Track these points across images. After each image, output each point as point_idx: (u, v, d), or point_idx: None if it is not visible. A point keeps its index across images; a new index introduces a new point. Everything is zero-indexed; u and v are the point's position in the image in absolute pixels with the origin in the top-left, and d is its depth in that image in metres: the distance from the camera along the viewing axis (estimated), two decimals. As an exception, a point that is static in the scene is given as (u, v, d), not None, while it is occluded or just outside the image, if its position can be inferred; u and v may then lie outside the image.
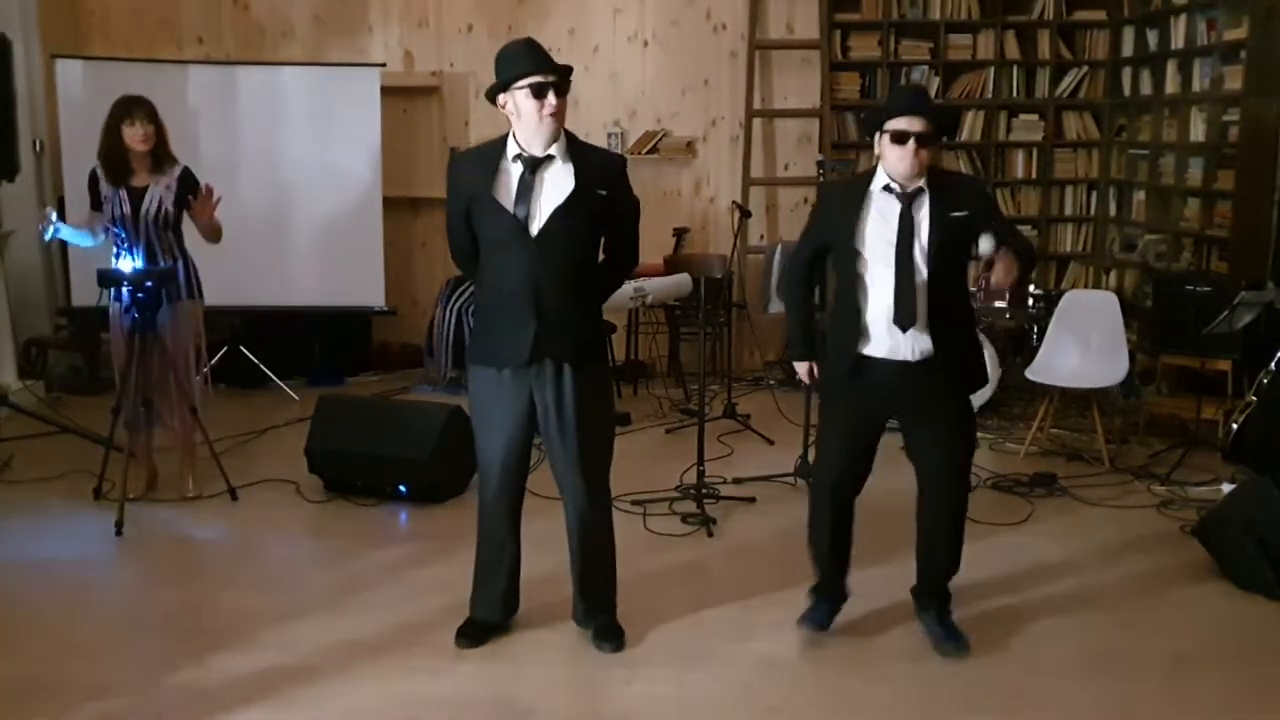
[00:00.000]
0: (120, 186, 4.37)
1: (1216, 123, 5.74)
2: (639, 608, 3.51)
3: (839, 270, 3.19)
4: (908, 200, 3.05)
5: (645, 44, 6.92)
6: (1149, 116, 6.47)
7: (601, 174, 3.09)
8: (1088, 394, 5.28)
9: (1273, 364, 4.56)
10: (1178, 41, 6.12)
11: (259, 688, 3.07)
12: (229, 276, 5.49)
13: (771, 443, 5.34)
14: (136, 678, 3.11)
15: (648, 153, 6.88)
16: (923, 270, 3.04)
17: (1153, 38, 6.41)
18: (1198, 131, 5.94)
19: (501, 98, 3.03)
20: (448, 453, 4.47)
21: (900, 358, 3.08)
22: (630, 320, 6.60)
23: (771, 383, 6.42)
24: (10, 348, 5.88)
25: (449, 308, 6.33)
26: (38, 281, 6.44)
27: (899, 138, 3.01)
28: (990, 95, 6.88)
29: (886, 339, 3.08)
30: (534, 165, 3.04)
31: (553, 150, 3.04)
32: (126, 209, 4.37)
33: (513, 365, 3.11)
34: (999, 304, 5.91)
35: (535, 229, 3.03)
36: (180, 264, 4.48)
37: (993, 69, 6.84)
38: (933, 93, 6.87)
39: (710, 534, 4.22)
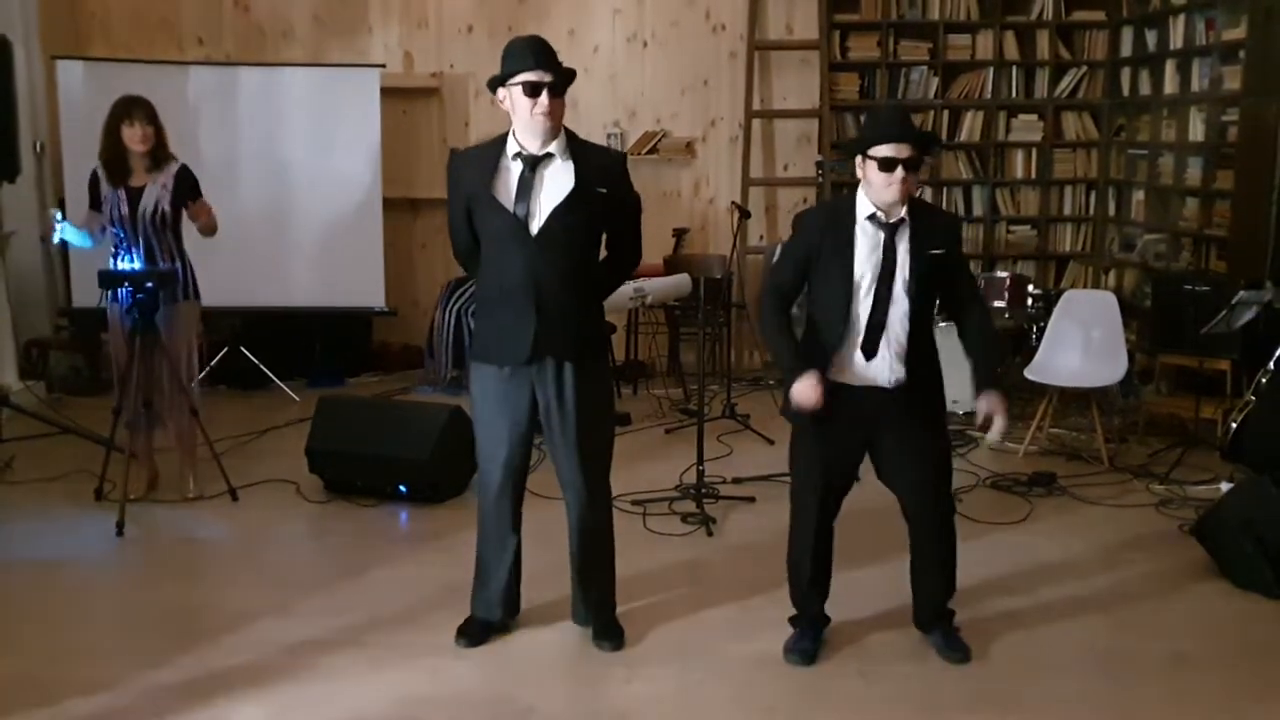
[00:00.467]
0: (119, 187, 4.39)
1: (1215, 123, 5.75)
2: (639, 607, 3.53)
3: (817, 297, 3.13)
4: (890, 231, 3.03)
5: (645, 44, 6.93)
6: (1148, 116, 6.47)
7: (602, 172, 3.10)
8: (1087, 393, 5.29)
9: (1271, 363, 4.56)
10: (1176, 42, 6.13)
11: (260, 687, 3.08)
12: (229, 277, 5.51)
13: (771, 442, 5.35)
14: (137, 677, 3.12)
15: (647, 153, 6.89)
16: (902, 301, 3.03)
17: (1151, 38, 6.42)
18: (1196, 131, 5.95)
19: (500, 92, 3.05)
20: (448, 453, 4.48)
21: (877, 384, 3.07)
22: (630, 320, 6.61)
23: (771, 382, 6.43)
24: (11, 348, 5.89)
25: (449, 308, 6.34)
26: (38, 282, 6.45)
27: (887, 165, 2.96)
28: (989, 95, 6.88)
29: (863, 366, 3.06)
30: (534, 163, 3.05)
31: (552, 148, 3.05)
32: (125, 209, 4.38)
33: (513, 363, 3.12)
34: (998, 303, 5.92)
35: (535, 227, 3.04)
36: (179, 264, 4.49)
37: (992, 69, 6.85)
38: (931, 93, 6.89)
39: (710, 533, 4.23)
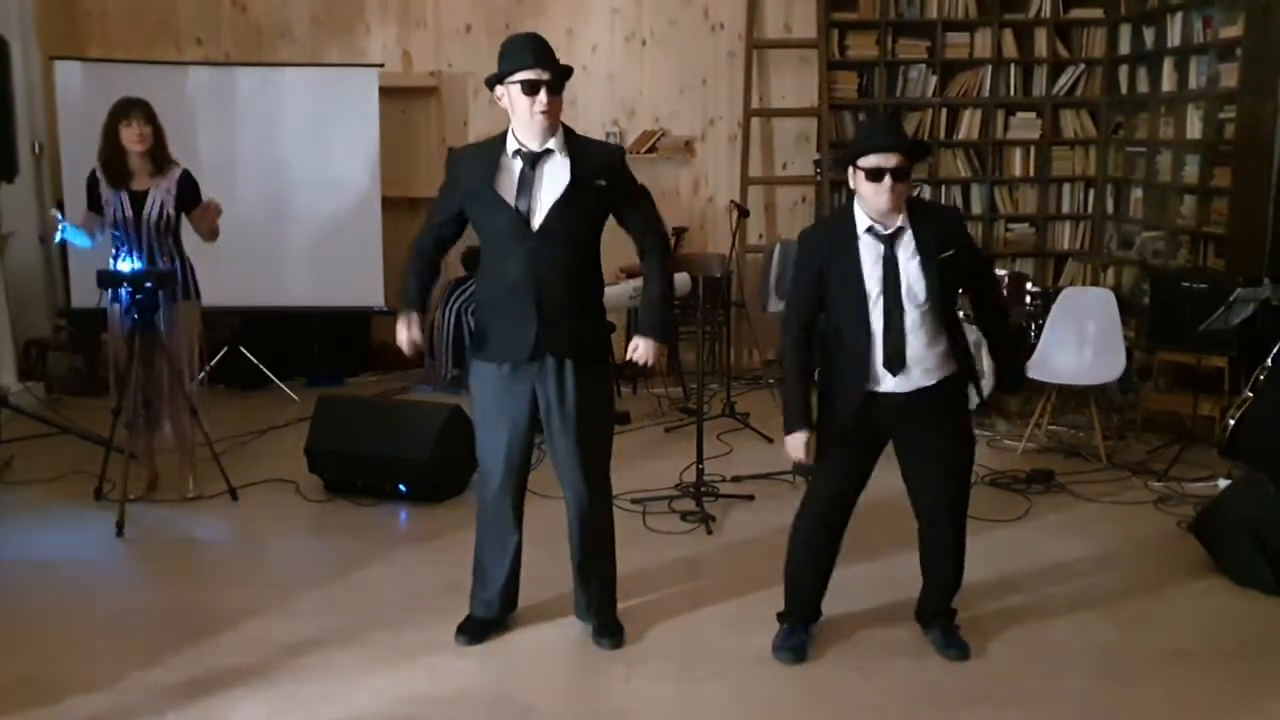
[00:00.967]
0: (120, 189, 4.39)
1: (1213, 120, 5.76)
2: (639, 605, 3.53)
3: (834, 315, 3.10)
4: (889, 242, 3.01)
5: (643, 43, 6.94)
6: (1146, 114, 6.48)
7: (599, 165, 3.11)
8: (1085, 391, 5.29)
9: (1269, 360, 4.57)
10: (1174, 39, 6.14)
11: (259, 686, 3.08)
12: (228, 277, 5.50)
13: (770, 441, 5.35)
14: (137, 676, 3.12)
15: (646, 152, 6.89)
16: (911, 312, 3.01)
17: (1149, 36, 6.42)
18: (1194, 129, 5.96)
19: (498, 90, 3.06)
20: (447, 452, 4.48)
21: (899, 391, 3.06)
22: (630, 320, 6.60)
23: (770, 381, 6.43)
24: (10, 349, 5.89)
25: (449, 308, 6.34)
26: (37, 283, 6.45)
27: (874, 175, 2.95)
28: (988, 94, 6.89)
29: (886, 378, 3.05)
30: (533, 160, 3.06)
31: (551, 144, 3.06)
32: (128, 212, 4.38)
33: (515, 361, 3.12)
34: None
35: (536, 223, 3.05)
36: (179, 265, 4.49)
37: (990, 67, 6.85)
38: (930, 91, 6.89)
39: (709, 531, 4.24)
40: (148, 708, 2.97)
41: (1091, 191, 7.01)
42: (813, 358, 3.16)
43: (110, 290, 4.42)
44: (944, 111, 6.92)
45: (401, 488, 4.53)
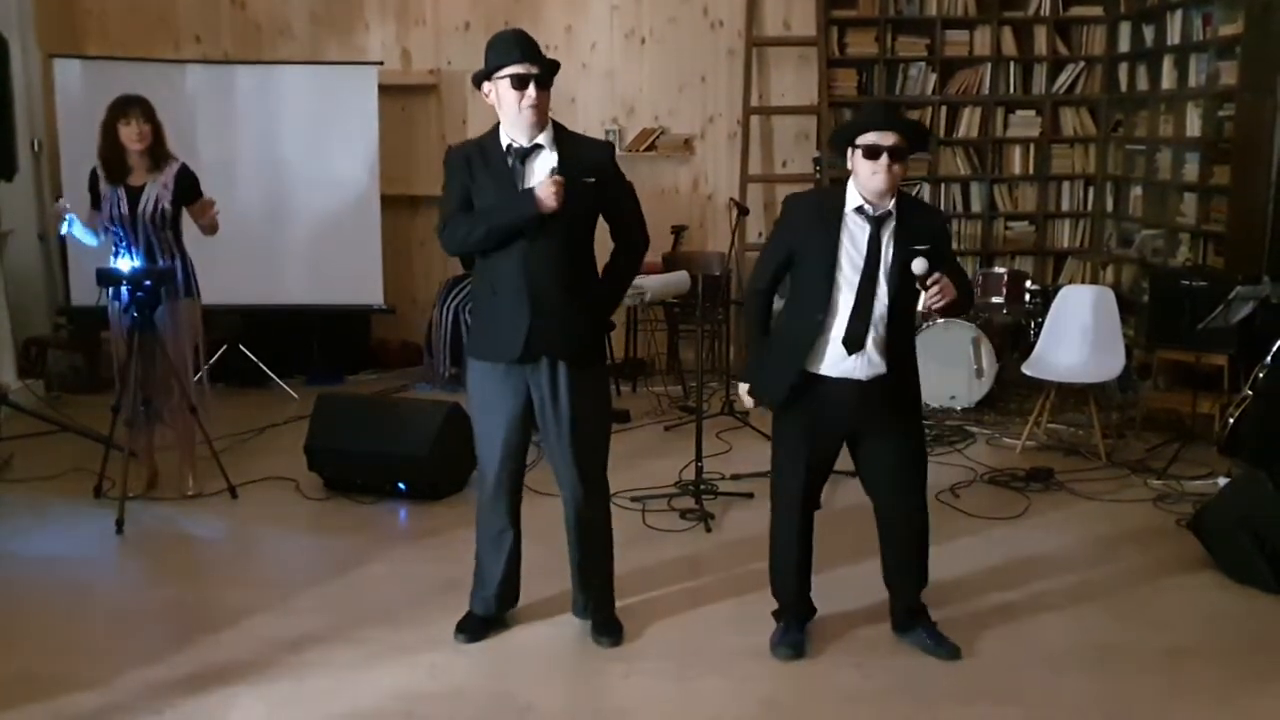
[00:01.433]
0: (118, 185, 4.39)
1: (1212, 118, 5.76)
2: (638, 602, 3.54)
3: (798, 287, 3.14)
4: (877, 224, 3.02)
5: (642, 41, 6.93)
6: (1145, 112, 6.48)
7: (589, 161, 3.10)
8: (1085, 389, 5.29)
9: (1268, 358, 4.57)
10: (1174, 37, 6.13)
11: (259, 683, 3.09)
12: (228, 275, 5.51)
13: (769, 438, 5.35)
14: (136, 674, 3.12)
15: (645, 150, 6.89)
16: (884, 296, 3.02)
17: (1149, 33, 6.42)
18: (1194, 127, 5.95)
19: (486, 86, 3.06)
20: (447, 450, 4.49)
21: (853, 377, 3.07)
22: (629, 318, 6.61)
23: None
24: (10, 347, 5.89)
25: (446, 306, 6.34)
26: (37, 281, 6.45)
27: (872, 153, 2.96)
28: (987, 91, 6.88)
29: (841, 359, 3.06)
30: (523, 156, 3.06)
31: (541, 140, 3.06)
32: (125, 208, 4.39)
33: (507, 360, 3.12)
34: (995, 299, 5.94)
35: None
36: (178, 262, 4.49)
37: (990, 65, 6.84)
38: (929, 89, 6.89)
39: (708, 529, 4.24)
40: (147, 705, 2.97)
41: (1091, 189, 7.01)
42: (768, 325, 3.27)
43: (110, 288, 4.42)
44: (943, 109, 6.92)
45: (401, 486, 4.53)
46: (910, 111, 6.84)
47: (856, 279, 3.03)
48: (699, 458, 4.57)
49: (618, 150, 6.25)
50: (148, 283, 4.33)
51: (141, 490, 4.57)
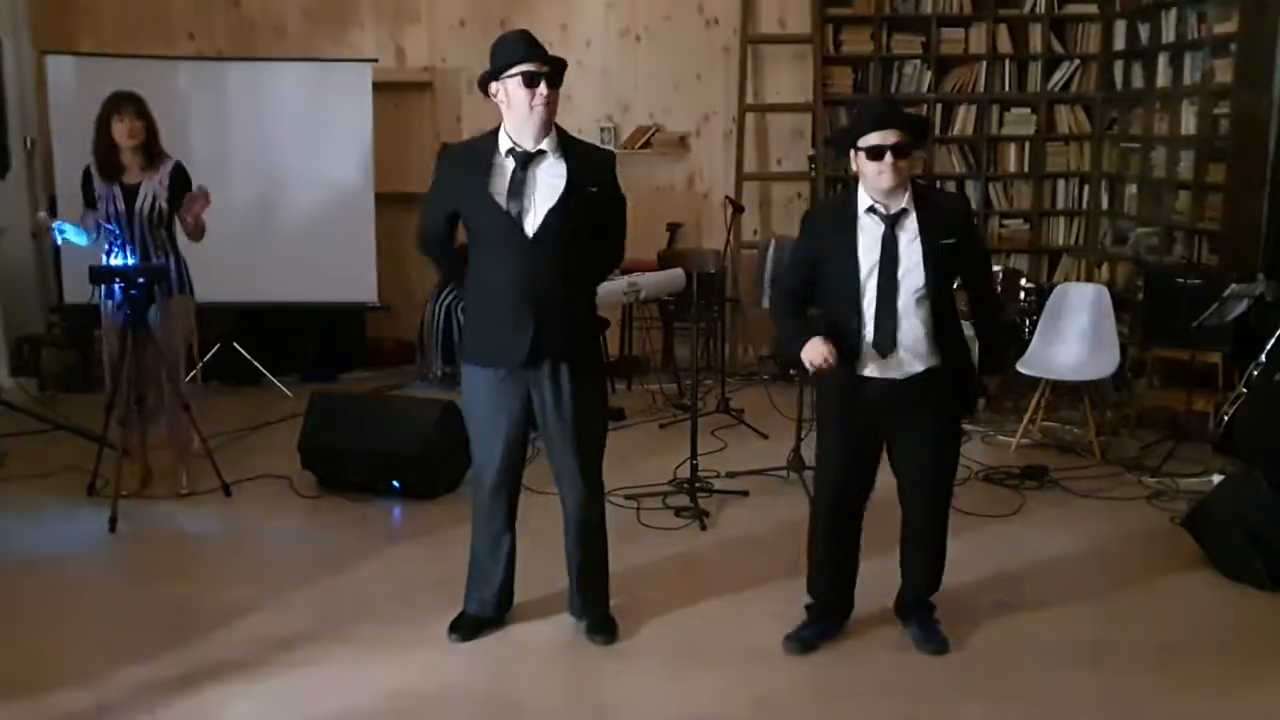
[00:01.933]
0: (113, 183, 4.38)
1: (1207, 116, 5.76)
2: (632, 601, 3.53)
3: (826, 295, 3.13)
4: (891, 223, 3.01)
5: (638, 39, 6.92)
6: (1140, 110, 6.48)
7: (593, 171, 3.09)
8: (1079, 387, 5.29)
9: (1263, 356, 4.58)
10: (1169, 35, 6.14)
11: (252, 682, 3.08)
12: (222, 273, 5.49)
13: (765, 437, 5.36)
14: (129, 672, 3.11)
15: (640, 148, 6.88)
16: (906, 295, 3.00)
17: (1144, 31, 6.42)
18: (1189, 125, 5.96)
19: (493, 86, 3.03)
20: (441, 449, 4.48)
21: (889, 376, 3.06)
22: (624, 316, 6.60)
23: (765, 377, 6.43)
24: (3, 345, 5.88)
25: (439, 304, 6.33)
26: (30, 279, 6.44)
27: (876, 153, 2.95)
28: (982, 89, 6.88)
29: (876, 360, 3.05)
30: (525, 160, 3.03)
31: (544, 145, 3.04)
32: (120, 206, 4.37)
33: (510, 366, 3.10)
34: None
35: (530, 227, 3.02)
36: (172, 260, 4.48)
37: (985, 63, 6.85)
38: (924, 87, 6.89)
39: (703, 527, 4.24)
40: (139, 704, 2.96)
41: (1086, 187, 7.01)
42: (802, 307, 3.18)
43: (103, 286, 4.40)
44: (939, 107, 6.92)
45: (395, 484, 4.52)
46: (905, 109, 6.82)
47: (877, 280, 3.01)
48: (694, 455, 4.56)
49: (613, 148, 6.25)
50: (141, 280, 4.31)
51: (135, 488, 4.55)
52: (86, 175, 4.43)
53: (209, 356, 6.24)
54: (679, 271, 5.92)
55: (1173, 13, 6.08)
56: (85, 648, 3.29)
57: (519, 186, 3.02)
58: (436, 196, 3.18)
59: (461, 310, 5.91)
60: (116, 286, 4.35)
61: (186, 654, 3.22)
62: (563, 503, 3.29)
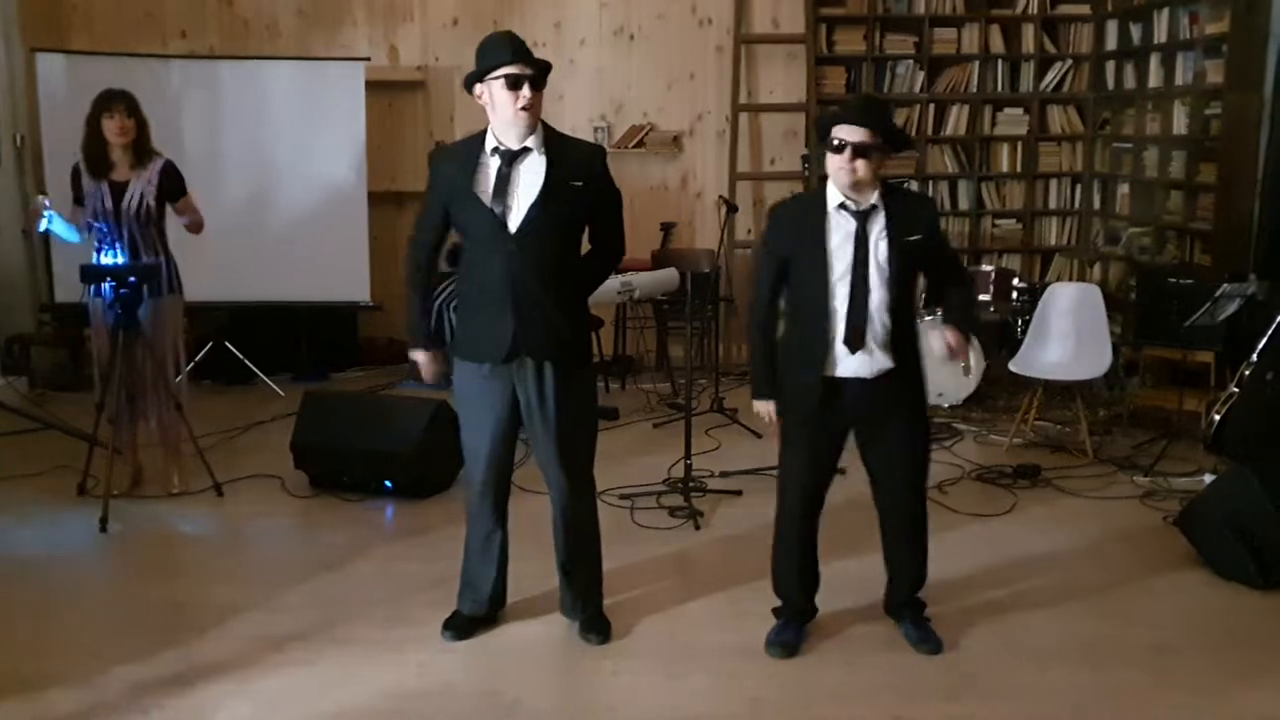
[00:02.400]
0: (102, 180, 4.36)
1: (1199, 116, 5.78)
2: (626, 600, 3.53)
3: (796, 293, 3.12)
4: (862, 219, 3.00)
5: (631, 38, 6.92)
6: (1132, 110, 6.50)
7: (578, 165, 3.08)
8: (1072, 386, 5.31)
9: (1254, 355, 4.59)
10: (1161, 36, 6.15)
11: (245, 682, 3.07)
12: (214, 272, 5.48)
13: (759, 436, 5.35)
14: (121, 672, 3.10)
15: (634, 147, 6.88)
16: (878, 291, 3.01)
17: (1136, 32, 6.44)
18: (1180, 125, 5.98)
19: (478, 88, 3.03)
20: (433, 448, 4.47)
21: (859, 375, 3.06)
22: (618, 315, 6.60)
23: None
24: (-7, 344, 5.85)
25: (432, 303, 6.31)
26: (20, 277, 6.40)
27: (836, 148, 2.95)
28: (975, 89, 6.89)
29: (847, 359, 3.05)
30: (510, 158, 3.04)
31: (529, 143, 3.04)
32: (108, 203, 4.36)
33: (492, 361, 3.11)
34: (983, 297, 5.94)
35: (513, 224, 3.03)
36: (162, 259, 4.46)
37: (977, 63, 6.86)
38: (917, 87, 6.90)
39: (697, 527, 4.24)
40: (132, 704, 2.95)
41: (1078, 187, 7.03)
42: (775, 331, 3.21)
43: (93, 285, 4.38)
44: (931, 107, 6.93)
45: (388, 483, 4.51)
46: (898, 109, 6.85)
47: (849, 277, 3.01)
48: (688, 455, 4.56)
49: (606, 148, 6.24)
50: (131, 279, 4.29)
51: (126, 488, 4.54)
52: (75, 172, 4.42)
53: (201, 355, 6.22)
54: (673, 271, 5.93)
55: (1164, 13, 6.10)
56: (77, 648, 3.28)
57: (503, 185, 3.03)
58: (432, 198, 3.19)
59: (453, 309, 5.90)
60: (107, 285, 4.33)
61: (179, 654, 3.21)
62: (551, 502, 3.29)
